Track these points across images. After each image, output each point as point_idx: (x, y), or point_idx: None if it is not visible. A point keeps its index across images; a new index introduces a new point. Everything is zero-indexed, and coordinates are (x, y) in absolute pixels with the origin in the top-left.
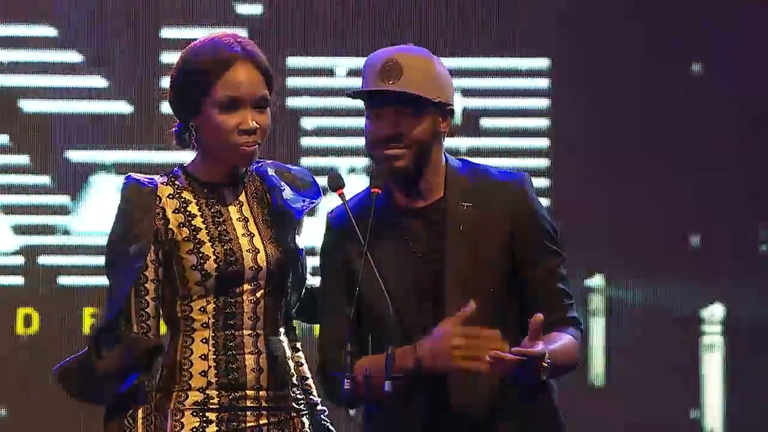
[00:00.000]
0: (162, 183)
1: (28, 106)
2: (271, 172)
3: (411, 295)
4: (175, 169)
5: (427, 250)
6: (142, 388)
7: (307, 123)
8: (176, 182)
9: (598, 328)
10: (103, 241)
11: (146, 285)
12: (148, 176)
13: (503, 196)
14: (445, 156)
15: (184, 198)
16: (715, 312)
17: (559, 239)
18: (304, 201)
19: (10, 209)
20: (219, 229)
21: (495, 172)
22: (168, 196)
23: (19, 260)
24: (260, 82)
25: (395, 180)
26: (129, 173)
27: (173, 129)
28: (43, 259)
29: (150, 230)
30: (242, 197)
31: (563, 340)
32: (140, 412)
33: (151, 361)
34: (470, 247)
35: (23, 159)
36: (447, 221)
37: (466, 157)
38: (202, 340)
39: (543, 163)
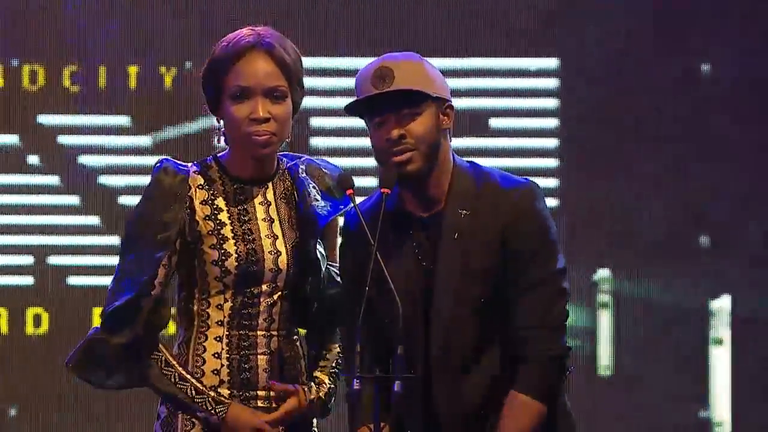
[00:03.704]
0: (194, 171)
1: (42, 119)
2: (302, 172)
3: (412, 302)
4: (208, 158)
5: (428, 258)
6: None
7: (317, 123)
8: (208, 173)
9: (605, 320)
10: (112, 241)
11: (158, 270)
12: (182, 163)
13: (503, 204)
14: (454, 158)
15: (214, 191)
16: (723, 305)
17: (554, 254)
18: (331, 207)
19: (19, 209)
20: (243, 227)
21: (500, 179)
22: (198, 186)
23: (29, 260)
24: (274, 73)
25: (406, 186)
26: (163, 157)
27: (221, 129)
28: (53, 259)
29: (178, 220)
30: (270, 196)
31: (509, 419)
32: (159, 342)
33: (156, 312)
34: (463, 256)
35: (33, 159)
36: (443, 229)
37: (474, 158)
38: (215, 338)
39: (551, 163)
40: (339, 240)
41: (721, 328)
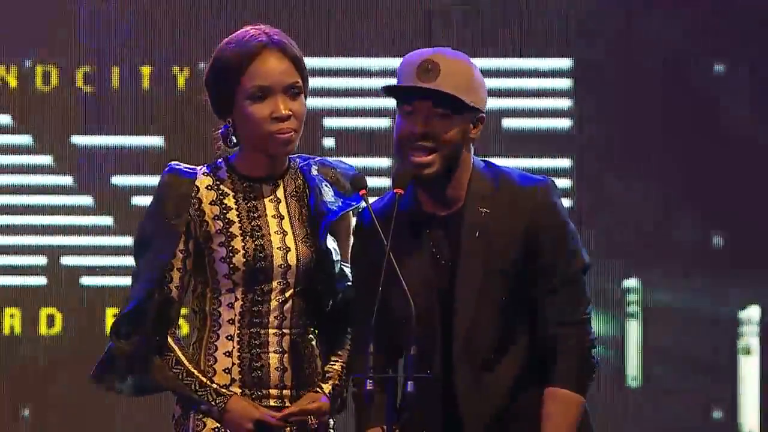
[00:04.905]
0: (202, 174)
1: (55, 120)
2: (314, 171)
3: (430, 300)
4: (219, 160)
5: (448, 257)
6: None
7: (330, 124)
8: (217, 174)
9: (634, 330)
10: (125, 242)
11: (171, 273)
12: (189, 166)
13: (523, 202)
14: (472, 159)
15: (223, 190)
16: (752, 314)
17: (577, 249)
18: (342, 203)
19: (32, 209)
20: (252, 224)
21: (517, 178)
22: (206, 187)
23: (42, 260)
24: (290, 70)
25: (423, 185)
26: (171, 162)
27: (218, 131)
28: (66, 260)
29: (182, 223)
30: (280, 194)
31: (554, 412)
32: (170, 341)
33: (165, 314)
34: (483, 255)
35: (46, 159)
36: (464, 227)
37: (488, 158)
38: (227, 337)
39: (565, 163)
40: (351, 239)
41: (751, 338)
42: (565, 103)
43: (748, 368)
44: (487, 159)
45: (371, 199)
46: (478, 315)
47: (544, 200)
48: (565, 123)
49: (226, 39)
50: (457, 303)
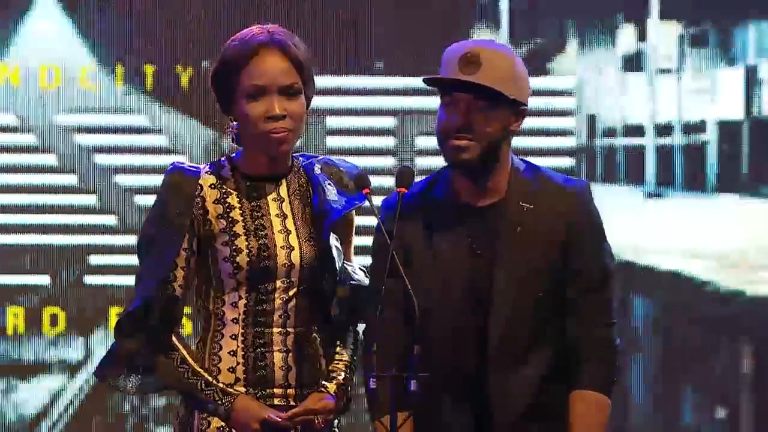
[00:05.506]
0: (206, 172)
1: (59, 119)
2: (317, 170)
3: (466, 293)
4: (222, 158)
5: (486, 249)
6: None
7: (333, 123)
8: (220, 172)
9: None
10: (128, 241)
11: (175, 272)
12: (193, 164)
13: (563, 202)
14: (511, 156)
15: (226, 189)
16: (748, 308)
17: (610, 253)
18: (346, 202)
19: (36, 209)
20: (256, 223)
21: (557, 177)
22: (210, 186)
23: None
24: (288, 70)
25: (462, 173)
26: (174, 161)
27: (229, 129)
28: (69, 259)
29: (187, 221)
30: (284, 193)
31: (584, 413)
32: (175, 340)
33: (169, 313)
34: (524, 250)
35: (50, 159)
36: (505, 221)
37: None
38: (231, 336)
39: (568, 162)
40: (354, 238)
41: (744, 332)
42: (568, 122)
43: (743, 363)
44: (525, 159)
45: (376, 199)
46: (515, 312)
47: (584, 202)
48: (568, 141)
49: (233, 37)
50: (495, 297)
